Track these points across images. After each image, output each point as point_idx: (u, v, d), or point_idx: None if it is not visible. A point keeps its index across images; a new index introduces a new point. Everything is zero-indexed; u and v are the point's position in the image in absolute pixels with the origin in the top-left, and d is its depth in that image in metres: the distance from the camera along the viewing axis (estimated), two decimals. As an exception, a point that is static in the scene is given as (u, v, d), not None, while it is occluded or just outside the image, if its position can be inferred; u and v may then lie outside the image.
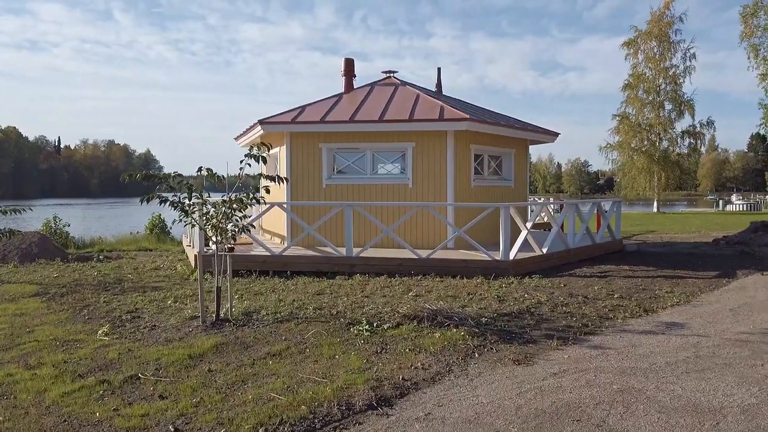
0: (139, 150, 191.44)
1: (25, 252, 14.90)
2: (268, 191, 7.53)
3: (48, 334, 7.11)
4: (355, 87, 15.46)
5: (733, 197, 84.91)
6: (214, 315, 7.51)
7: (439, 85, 15.53)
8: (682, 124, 51.92)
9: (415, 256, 11.02)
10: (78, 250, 18.84)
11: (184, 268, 12.93)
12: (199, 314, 7.67)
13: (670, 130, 49.75)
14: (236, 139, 16.54)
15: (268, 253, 11.46)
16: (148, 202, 6.83)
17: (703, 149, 52.09)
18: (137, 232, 32.79)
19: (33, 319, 8.14)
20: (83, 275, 12.39)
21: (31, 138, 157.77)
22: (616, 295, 8.36)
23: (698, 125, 50.09)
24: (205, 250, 11.74)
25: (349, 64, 15.34)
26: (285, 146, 13.28)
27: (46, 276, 12.25)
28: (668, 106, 49.78)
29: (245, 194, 7.40)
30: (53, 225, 20.58)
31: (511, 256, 10.72)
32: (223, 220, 7.28)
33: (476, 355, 5.36)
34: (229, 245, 11.92)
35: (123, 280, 11.69)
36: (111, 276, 12.29)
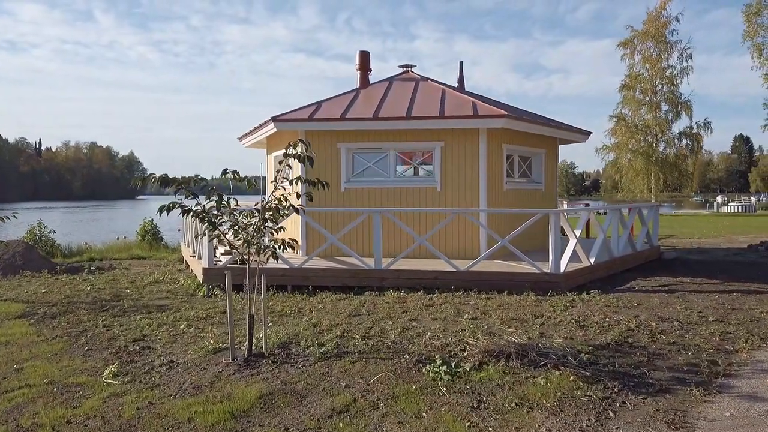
0: (123, 152, 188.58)
1: (9, 263, 13.47)
2: (311, 198, 6.28)
3: (41, 373, 5.81)
4: (370, 82, 14.23)
5: (719, 198, 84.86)
6: (245, 348, 6.26)
7: (461, 80, 14.39)
8: (679, 125, 51.31)
9: (452, 269, 9.83)
10: (66, 259, 17.39)
11: (188, 281, 11.62)
12: (226, 346, 6.42)
13: (667, 132, 49.18)
14: (240, 139, 15.24)
15: (287, 266, 10.21)
16: (168, 213, 5.57)
17: (702, 150, 51.57)
18: (124, 237, 31.25)
19: (21, 350, 6.83)
20: (75, 290, 11.04)
21: (11, 140, 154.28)
22: (710, 318, 7.23)
23: (695, 126, 49.56)
24: (214, 262, 10.46)
25: (365, 58, 14.12)
26: (299, 146, 12.00)
27: (33, 292, 10.88)
28: (665, 107, 49.20)
29: (279, 201, 6.17)
30: (38, 232, 19.09)
31: (562, 268, 9.56)
32: (255, 234, 6.04)
33: (611, 414, 4.17)
34: (255, 258, 10.67)
35: (121, 297, 10.37)
36: (106, 291, 10.96)
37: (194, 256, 12.05)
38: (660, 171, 48.47)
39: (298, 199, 5.82)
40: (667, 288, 9.57)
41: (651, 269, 11.96)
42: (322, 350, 5.99)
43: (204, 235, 5.69)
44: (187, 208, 5.72)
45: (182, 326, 7.70)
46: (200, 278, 10.80)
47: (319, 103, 12.57)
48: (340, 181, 12.01)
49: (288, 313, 8.40)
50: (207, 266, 10.31)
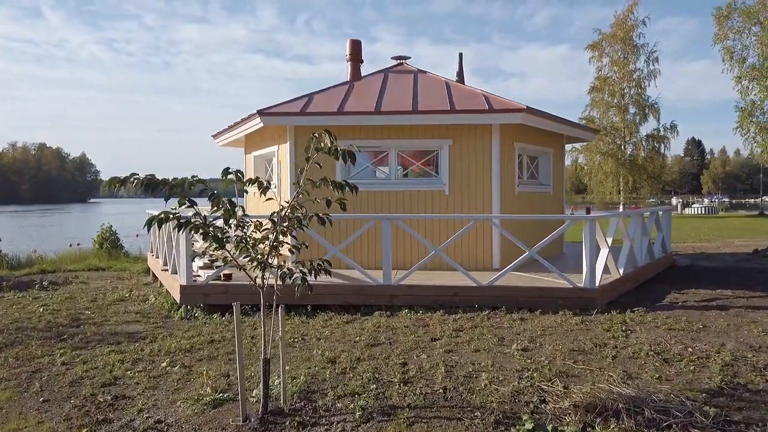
0: (74, 153, 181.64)
1: (-56, 279, 11.58)
2: (344, 206, 4.89)
3: (-20, 444, 4.29)
4: (362, 75, 12.89)
5: (673, 200, 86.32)
6: (254, 399, 4.86)
7: (461, 73, 13.20)
8: (646, 128, 51.53)
9: (472, 283, 8.58)
10: (13, 272, 15.44)
11: (160, 300, 10.04)
12: (228, 396, 5.00)
13: (634, 134, 49.32)
14: (216, 136, 13.68)
15: (280, 282, 8.75)
16: (159, 227, 4.16)
17: (667, 153, 51.98)
18: (78, 244, 29.04)
19: (-47, 403, 5.25)
20: (25, 313, 9.34)
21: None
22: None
23: (662, 129, 49.84)
24: (193, 279, 8.94)
25: (356, 48, 12.78)
26: (287, 144, 10.60)
27: (-27, 316, 9.14)
28: (632, 110, 49.31)
29: (298, 210, 4.83)
30: (-20, 241, 17.04)
31: (597, 281, 8.43)
32: (270, 252, 4.67)
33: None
34: (225, 273, 9.19)
35: (81, 320, 8.75)
36: (63, 313, 9.30)
37: (166, 270, 10.48)
38: (629, 173, 48.63)
39: (328, 206, 4.42)
40: (715, 303, 8.53)
41: (674, 279, 10.98)
42: (360, 403, 4.62)
43: (202, 254, 4.27)
44: (184, 220, 4.29)
45: (164, 363, 6.21)
46: (176, 297, 9.26)
47: (309, 96, 11.16)
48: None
49: (292, 342, 6.99)
50: (185, 283, 8.79)
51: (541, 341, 6.46)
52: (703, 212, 59.96)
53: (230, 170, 4.84)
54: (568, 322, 7.43)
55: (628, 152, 48.59)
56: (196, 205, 4.43)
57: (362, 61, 12.93)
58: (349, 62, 12.81)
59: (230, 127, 12.25)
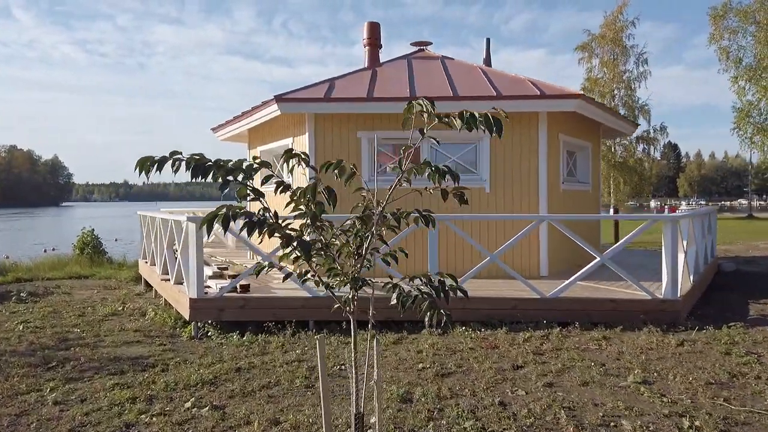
0: (46, 156, 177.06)
1: None
2: (465, 200, 3.59)
3: None
4: (381, 62, 11.63)
5: (652, 203, 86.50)
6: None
7: (488, 60, 12.04)
8: (637, 130, 51.00)
9: (534, 295, 7.38)
10: (-15, 281, 13.83)
11: (161, 314, 8.66)
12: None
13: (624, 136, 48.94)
14: (217, 129, 12.31)
15: (309, 294, 7.47)
16: (226, 227, 2.88)
17: (657, 155, 51.61)
18: (53, 249, 27.29)
19: None
20: (2, 332, 7.90)
21: None
22: None
23: (652, 131, 49.46)
24: (204, 291, 7.59)
25: (374, 31, 11.53)
26: (305, 135, 9.30)
27: (-61, 337, 7.67)
28: (622, 112, 48.85)
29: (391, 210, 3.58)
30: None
31: (680, 292, 7.30)
32: (357, 262, 3.42)
33: None
34: (242, 284, 7.85)
35: (70, 341, 7.36)
36: (48, 332, 7.89)
37: (167, 280, 9.09)
38: (620, 175, 48.15)
39: (444, 198, 3.12)
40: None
41: (733, 286, 9.94)
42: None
43: (284, 258, 2.98)
44: (256, 219, 3.01)
45: (187, 404, 4.88)
46: (182, 312, 7.89)
47: (330, 81, 9.88)
48: (361, 179, 9.32)
49: (339, 369, 5.71)
50: (196, 296, 7.44)
51: (658, 370, 5.26)
52: (690, 214, 59.70)
53: (292, 151, 3.56)
54: (665, 342, 6.26)
55: (618, 154, 48.16)
56: (263, 197, 3.16)
57: (381, 46, 11.69)
58: (367, 47, 11.56)
59: (236, 118, 10.90)
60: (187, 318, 7.67)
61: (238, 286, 7.68)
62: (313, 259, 3.32)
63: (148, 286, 11.95)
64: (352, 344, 3.38)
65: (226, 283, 8.04)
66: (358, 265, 3.42)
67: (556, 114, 9.26)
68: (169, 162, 2.99)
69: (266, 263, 3.41)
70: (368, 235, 3.43)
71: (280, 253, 3.24)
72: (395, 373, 5.51)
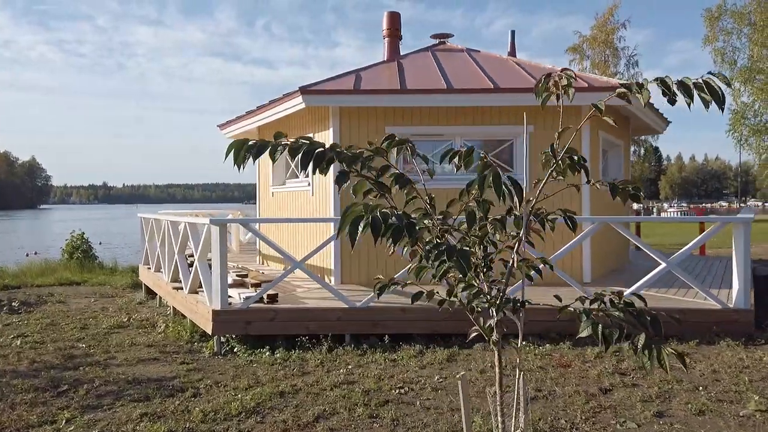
0: (23, 158, 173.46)
1: None
2: (637, 198, 2.89)
3: None
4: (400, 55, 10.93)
5: (634, 205, 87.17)
6: None
7: (513, 53, 11.42)
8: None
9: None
10: (-31, 288, 12.86)
11: (175, 327, 7.88)
12: None
13: (617, 138, 48.83)
14: (224, 126, 11.53)
15: (345, 305, 6.74)
16: (377, 233, 2.17)
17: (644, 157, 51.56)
18: (35, 254, 26.20)
19: None
20: (0, 350, 7.04)
21: None
22: None
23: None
24: (228, 302, 6.82)
25: (394, 21, 10.84)
26: (329, 131, 8.57)
27: (-73, 355, 6.80)
28: (613, 114, 48.78)
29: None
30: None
31: (750, 301, 6.71)
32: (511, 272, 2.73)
33: None
34: (270, 294, 7.10)
35: (77, 358, 6.56)
36: (49, 347, 7.08)
37: (179, 288, 8.29)
38: (611, 177, 48.09)
39: (614, 195, 2.41)
40: None
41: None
42: None
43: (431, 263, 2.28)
44: (405, 223, 2.31)
45: (237, 439, 4.13)
46: (201, 324, 7.12)
47: (355, 73, 9.16)
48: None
49: (402, 397, 5.00)
50: (219, 308, 6.67)
51: (770, 392, 4.64)
52: (678, 215, 60.07)
53: (395, 138, 2.89)
54: (756, 357, 5.64)
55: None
56: (389, 194, 2.48)
57: (401, 38, 11.00)
58: (387, 38, 10.86)
59: (249, 114, 10.13)
60: (208, 331, 6.89)
61: (264, 296, 6.93)
62: (450, 273, 2.62)
63: (151, 293, 11.13)
64: (497, 383, 2.69)
65: (250, 292, 7.28)
66: (502, 280, 2.71)
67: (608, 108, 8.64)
68: (277, 148, 2.28)
69: (386, 281, 2.71)
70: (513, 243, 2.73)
71: (413, 265, 2.54)
72: (486, 403, 4.81)
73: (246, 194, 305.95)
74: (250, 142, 2.40)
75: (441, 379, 5.36)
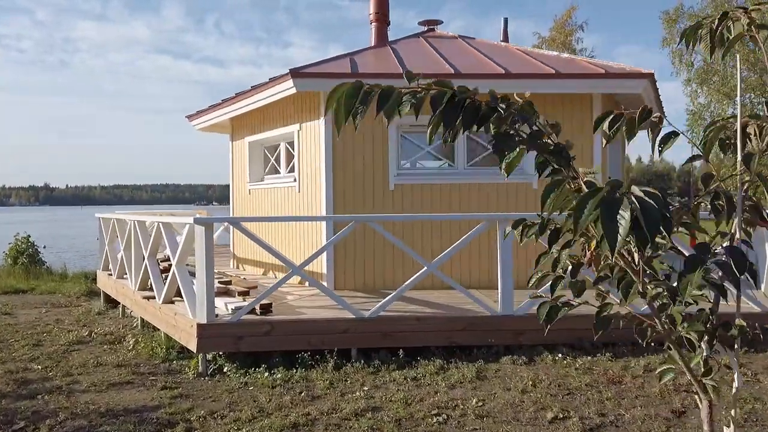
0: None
1: None
2: None
3: None
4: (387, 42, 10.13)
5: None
6: None
7: (506, 40, 10.78)
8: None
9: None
10: None
11: (147, 342, 6.85)
12: None
13: (573, 139, 49.36)
14: (193, 117, 10.49)
15: (351, 315, 5.90)
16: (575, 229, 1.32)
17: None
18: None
19: None
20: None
21: None
22: None
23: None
24: (214, 315, 5.87)
25: (382, 5, 10.04)
26: (322, 120, 7.70)
27: None
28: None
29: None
30: None
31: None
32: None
33: None
34: (263, 304, 6.17)
35: (33, 383, 5.51)
36: (-2, 371, 5.96)
37: (150, 298, 7.26)
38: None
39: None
40: None
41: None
42: None
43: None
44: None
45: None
46: (184, 340, 6.13)
47: (348, 56, 8.31)
48: (387, 173, 7.84)
49: (444, 428, 4.20)
50: (205, 321, 5.71)
51: None
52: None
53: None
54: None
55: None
56: (577, 177, 1.69)
57: (389, 23, 10.21)
58: (374, 23, 10.06)
59: (226, 102, 9.14)
60: (191, 348, 5.92)
61: (257, 307, 6.00)
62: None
63: (112, 302, 9.99)
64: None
65: (238, 301, 6.34)
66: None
67: (608, 98, 8.07)
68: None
69: (553, 302, 1.92)
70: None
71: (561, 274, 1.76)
72: (518, 428, 4.05)
73: (197, 195, 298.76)
74: (365, 88, 1.58)
75: (480, 403, 4.58)
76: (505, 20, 10.98)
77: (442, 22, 10.75)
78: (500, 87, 7.15)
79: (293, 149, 8.53)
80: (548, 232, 1.92)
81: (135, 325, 8.18)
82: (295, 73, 7.13)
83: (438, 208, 7.85)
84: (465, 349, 5.94)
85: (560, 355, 5.63)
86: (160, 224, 6.90)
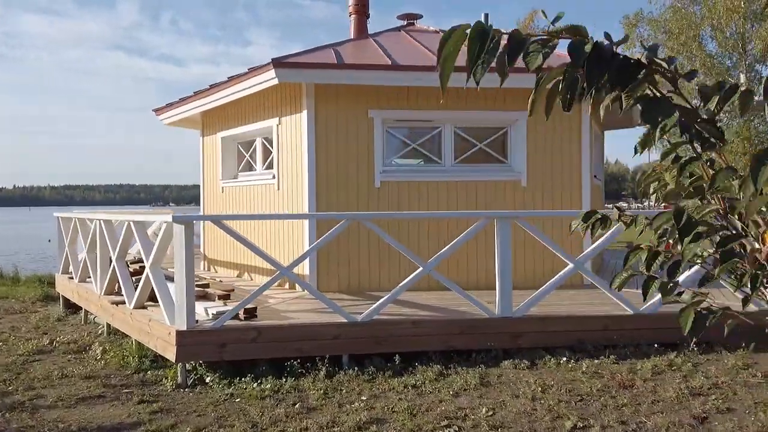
0: None
1: None
2: None
3: None
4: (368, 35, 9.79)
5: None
6: None
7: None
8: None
9: (625, 310, 5.92)
10: None
11: (116, 351, 6.34)
12: None
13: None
14: (161, 111, 9.93)
15: (344, 320, 5.54)
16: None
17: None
18: None
19: None
20: None
21: None
22: None
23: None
24: (195, 320, 5.42)
25: (362, -4, 9.68)
26: (304, 114, 7.32)
27: None
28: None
29: None
30: None
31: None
32: None
33: None
34: (248, 308, 5.75)
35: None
36: (-49, 386, 5.37)
37: (120, 303, 6.73)
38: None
39: None
40: None
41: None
42: None
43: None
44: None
45: None
46: (159, 348, 5.66)
47: (331, 48, 7.93)
48: (372, 169, 7.50)
49: (455, 437, 3.89)
50: (185, 327, 5.27)
51: None
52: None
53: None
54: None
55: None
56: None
57: (369, 15, 9.87)
58: (354, 15, 9.71)
59: (198, 94, 8.64)
60: (168, 357, 5.46)
61: (242, 312, 5.58)
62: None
63: (72, 308, 9.36)
64: None
65: (217, 305, 5.90)
66: None
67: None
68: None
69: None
70: None
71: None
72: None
73: (153, 196, 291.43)
74: (491, 32, 1.25)
75: (490, 412, 4.29)
76: (486, 15, 10.74)
77: (422, 17, 10.46)
78: (491, 81, 6.93)
79: (271, 145, 8.10)
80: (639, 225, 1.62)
81: (100, 332, 7.63)
82: (278, 63, 6.72)
83: (425, 206, 7.55)
84: (463, 354, 5.65)
85: (563, 359, 5.39)
86: (132, 223, 6.39)
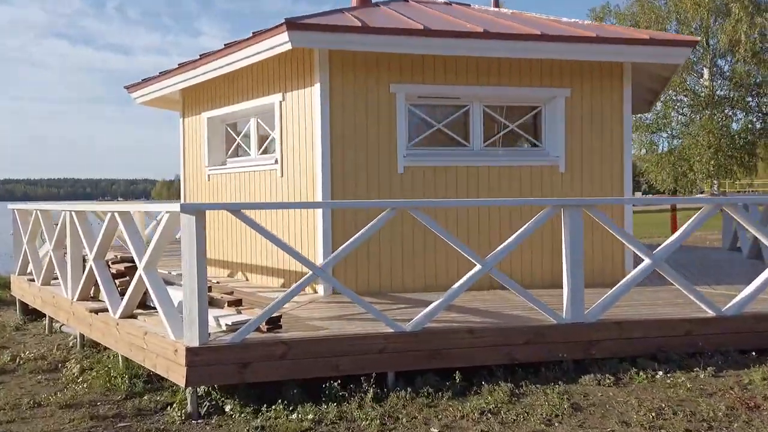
0: None
1: None
2: None
3: None
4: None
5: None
6: None
7: (497, 5, 9.70)
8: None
9: (708, 312, 5.14)
10: None
11: (99, 370, 5.20)
12: None
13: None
14: (134, 88, 8.68)
15: (389, 330, 4.56)
16: None
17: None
18: None
19: None
20: None
21: None
22: None
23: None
24: (208, 336, 4.34)
25: (364, -37, 8.63)
26: (317, 87, 6.27)
27: None
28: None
29: None
30: None
31: None
32: None
33: None
34: (274, 317, 4.70)
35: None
36: None
37: (102, 311, 5.56)
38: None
39: None
40: None
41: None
42: None
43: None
44: None
45: None
46: (166, 371, 4.55)
47: (343, 11, 6.88)
48: (395, 153, 6.52)
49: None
50: (197, 343, 4.19)
51: None
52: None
53: None
54: None
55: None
56: None
57: (372, -17, 8.84)
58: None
59: (184, 66, 7.46)
60: (176, 382, 4.37)
61: (263, 325, 4.53)
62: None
63: (30, 314, 8.08)
64: None
65: (233, 314, 4.83)
66: None
67: (637, 69, 7.17)
68: None
69: None
70: None
71: None
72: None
73: (100, 191, 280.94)
74: None
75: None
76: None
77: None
78: (537, 51, 6.03)
79: (272, 124, 7.02)
80: None
81: (72, 344, 6.44)
82: (293, 24, 5.64)
83: (453, 194, 6.63)
84: (526, 367, 4.76)
85: (651, 371, 4.57)
86: (116, 215, 5.24)
